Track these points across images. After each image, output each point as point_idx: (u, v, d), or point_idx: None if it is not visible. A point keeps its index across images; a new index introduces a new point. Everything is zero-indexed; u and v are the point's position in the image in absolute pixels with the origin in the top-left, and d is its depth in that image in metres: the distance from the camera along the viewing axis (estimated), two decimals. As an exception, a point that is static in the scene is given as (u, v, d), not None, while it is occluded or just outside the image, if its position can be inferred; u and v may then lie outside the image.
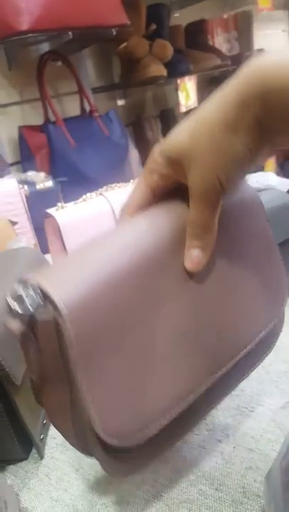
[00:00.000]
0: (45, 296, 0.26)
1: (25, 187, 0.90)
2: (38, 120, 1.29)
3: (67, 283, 0.27)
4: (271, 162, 2.55)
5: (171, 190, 0.34)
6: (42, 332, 0.27)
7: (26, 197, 0.89)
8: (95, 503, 0.39)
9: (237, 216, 0.35)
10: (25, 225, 0.89)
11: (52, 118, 1.25)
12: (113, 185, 0.75)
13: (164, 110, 1.88)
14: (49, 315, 0.26)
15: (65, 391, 0.30)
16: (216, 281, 0.34)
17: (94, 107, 1.35)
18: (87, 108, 1.37)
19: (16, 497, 0.39)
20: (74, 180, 1.06)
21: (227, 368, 0.35)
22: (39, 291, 0.26)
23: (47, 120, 1.24)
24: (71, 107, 1.45)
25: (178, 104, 1.83)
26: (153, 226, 0.32)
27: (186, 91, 1.83)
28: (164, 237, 0.32)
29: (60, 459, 0.45)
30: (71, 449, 0.43)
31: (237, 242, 0.35)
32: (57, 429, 0.35)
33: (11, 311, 0.27)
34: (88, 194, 0.73)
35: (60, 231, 0.66)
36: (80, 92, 1.38)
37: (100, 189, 0.74)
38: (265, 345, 0.42)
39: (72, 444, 0.34)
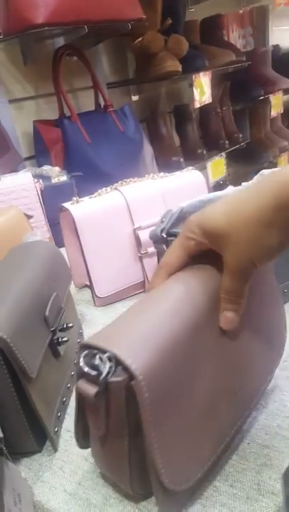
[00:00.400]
0: (119, 363, 0.29)
1: (40, 181, 0.90)
2: (52, 115, 1.28)
3: (136, 350, 0.30)
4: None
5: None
6: (113, 393, 0.30)
7: (41, 191, 0.89)
8: (108, 496, 0.39)
9: None
10: (40, 218, 0.89)
11: (67, 113, 1.25)
12: (128, 180, 0.74)
13: (178, 106, 1.86)
14: (121, 378, 0.29)
15: (124, 443, 0.33)
16: (238, 335, 0.38)
17: (109, 102, 1.34)
18: (102, 103, 1.36)
19: (29, 490, 0.39)
20: (88, 175, 1.05)
21: (253, 405, 0.41)
22: (113, 358, 0.29)
23: (62, 115, 1.24)
24: (86, 102, 1.45)
25: (192, 99, 1.81)
26: (189, 293, 0.35)
27: (201, 86, 1.81)
28: (199, 302, 0.35)
29: (73, 452, 0.44)
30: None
31: (250, 296, 0.38)
32: (110, 475, 0.38)
33: (87, 377, 0.30)
34: (103, 189, 0.72)
35: (75, 225, 0.65)
36: (95, 87, 1.37)
37: (115, 184, 0.73)
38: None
39: (127, 489, 0.37)
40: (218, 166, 1.93)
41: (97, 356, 0.30)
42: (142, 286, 0.74)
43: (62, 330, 0.50)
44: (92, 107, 1.37)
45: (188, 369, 0.33)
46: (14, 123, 1.26)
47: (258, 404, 0.46)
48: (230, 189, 0.70)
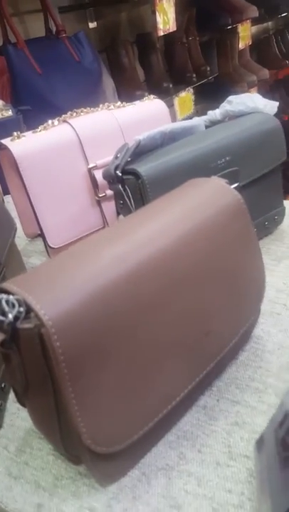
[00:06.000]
0: (30, 309, 0.26)
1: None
2: (-4, 42, 1.10)
3: (53, 296, 0.26)
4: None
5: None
6: (24, 342, 0.26)
7: (-17, 129, 0.76)
8: (60, 477, 0.33)
9: (223, 222, 0.36)
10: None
11: (12, 39, 1.06)
12: (79, 110, 0.62)
13: (140, 34, 1.66)
14: (32, 325, 0.26)
15: (49, 399, 0.28)
16: (204, 286, 0.34)
17: (61, 26, 1.15)
18: (54, 29, 1.17)
19: None
20: (40, 111, 0.91)
21: (212, 366, 0.35)
22: (24, 303, 0.26)
23: (6, 41, 1.05)
24: (35, 28, 1.25)
25: (156, 28, 1.61)
26: (150, 233, 0.32)
27: (164, 12, 1.60)
28: (160, 245, 0.31)
29: (21, 427, 0.38)
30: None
31: (224, 246, 0.36)
32: (44, 436, 0.33)
33: None
34: (50, 121, 0.60)
35: (16, 165, 0.55)
36: (45, 9, 1.17)
37: (64, 115, 0.61)
38: (243, 339, 0.41)
39: (62, 454, 0.33)
40: (185, 101, 1.78)
41: (4, 300, 0.26)
42: (101, 233, 0.65)
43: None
44: (42, 34, 1.18)
45: (129, 317, 0.29)
46: None
47: (232, 359, 0.41)
48: (196, 120, 0.60)
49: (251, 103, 0.58)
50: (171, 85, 1.63)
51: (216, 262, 0.35)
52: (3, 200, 0.74)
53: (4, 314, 0.25)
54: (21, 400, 0.32)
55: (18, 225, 0.59)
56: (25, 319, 0.26)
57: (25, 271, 0.55)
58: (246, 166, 0.53)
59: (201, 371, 0.34)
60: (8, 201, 0.70)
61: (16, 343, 0.26)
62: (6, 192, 0.64)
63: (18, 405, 0.39)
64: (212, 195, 0.37)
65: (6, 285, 0.27)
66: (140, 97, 1.44)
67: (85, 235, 0.63)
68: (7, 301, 0.26)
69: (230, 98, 0.59)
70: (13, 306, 0.26)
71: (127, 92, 1.43)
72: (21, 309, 0.26)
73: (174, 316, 0.31)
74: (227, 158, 0.51)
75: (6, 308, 0.26)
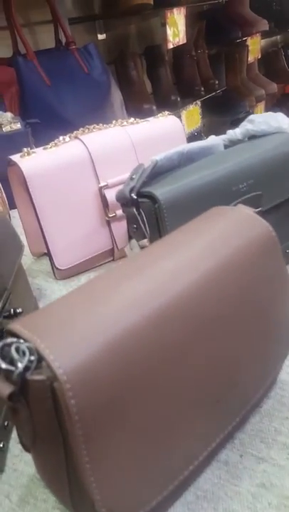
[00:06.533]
0: (41, 359, 0.23)
1: (-11, 130, 0.74)
2: (5, 52, 1.07)
3: (69, 345, 0.23)
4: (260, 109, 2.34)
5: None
6: (34, 395, 0.23)
7: (-10, 141, 0.73)
8: None
9: (253, 256, 0.33)
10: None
11: (22, 50, 1.04)
12: (91, 126, 0.59)
13: (149, 47, 1.64)
14: (43, 377, 0.23)
15: (59, 451, 0.25)
16: (233, 329, 0.30)
17: (71, 38, 1.13)
18: (63, 40, 1.15)
19: None
20: (48, 123, 0.89)
21: (239, 418, 0.32)
22: (35, 351, 0.23)
23: (16, 52, 1.03)
24: (45, 39, 1.23)
25: (165, 40, 1.59)
26: (173, 268, 0.28)
27: (175, 25, 1.59)
28: (185, 284, 0.28)
29: (24, 473, 0.34)
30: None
31: (254, 284, 0.32)
32: (49, 488, 0.30)
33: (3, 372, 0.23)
34: (61, 137, 0.57)
35: (25, 182, 0.51)
36: (55, 21, 1.16)
37: (76, 131, 0.58)
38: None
39: (68, 509, 0.30)
40: (193, 115, 1.76)
41: (13, 347, 0.23)
42: (110, 255, 0.62)
43: (9, 317, 0.39)
44: (52, 45, 1.16)
45: (151, 369, 0.25)
46: None
47: (255, 407, 0.37)
48: (212, 139, 0.57)
49: (275, 122, 0.55)
50: (178, 98, 1.61)
51: (246, 302, 0.31)
52: (9, 216, 0.70)
53: (13, 363, 0.22)
54: (26, 446, 0.28)
55: (24, 243, 0.56)
56: (35, 369, 0.23)
57: (31, 294, 0.51)
58: (269, 189, 0.50)
59: (226, 427, 0.30)
60: (14, 216, 0.67)
61: (25, 395, 0.23)
62: (12, 206, 0.61)
63: (21, 446, 0.36)
64: (240, 226, 0.34)
65: (15, 327, 0.24)
66: (148, 111, 1.43)
67: (92, 256, 0.59)
68: (17, 349, 0.23)
69: (252, 117, 0.56)
70: (24, 354, 0.23)
71: (134, 105, 1.41)
72: (32, 358, 0.23)
73: (200, 366, 0.28)
74: (250, 182, 0.48)
75: (16, 356, 0.22)
